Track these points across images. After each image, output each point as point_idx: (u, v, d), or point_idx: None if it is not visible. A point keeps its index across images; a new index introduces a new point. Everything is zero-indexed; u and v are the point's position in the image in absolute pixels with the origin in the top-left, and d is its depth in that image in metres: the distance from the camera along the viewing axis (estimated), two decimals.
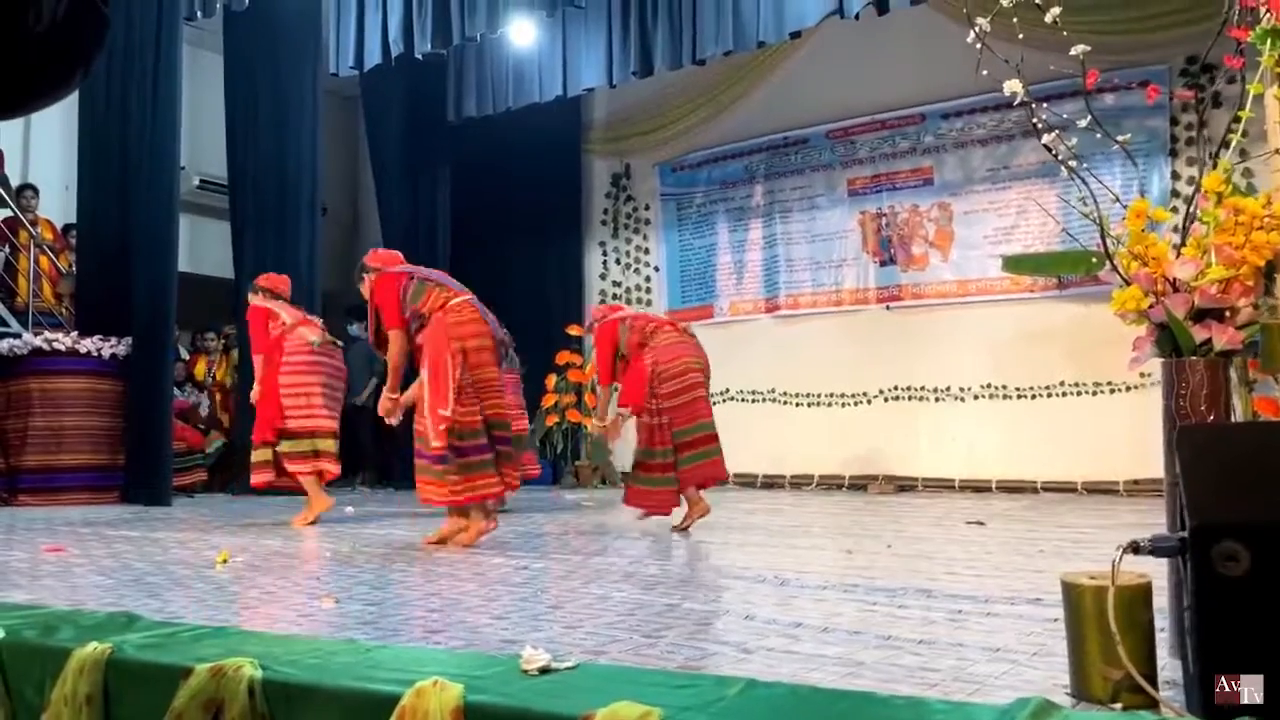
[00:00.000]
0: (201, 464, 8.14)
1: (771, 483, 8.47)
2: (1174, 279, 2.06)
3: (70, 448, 7.14)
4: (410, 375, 4.56)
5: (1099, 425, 7.07)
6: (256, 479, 5.56)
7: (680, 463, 4.96)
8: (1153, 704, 1.65)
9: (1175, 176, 6.94)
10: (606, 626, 2.54)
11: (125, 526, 5.49)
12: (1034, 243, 7.46)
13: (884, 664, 2.09)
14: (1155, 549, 1.56)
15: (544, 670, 1.75)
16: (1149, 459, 6.22)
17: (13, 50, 1.20)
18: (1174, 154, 6.99)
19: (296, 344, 5.62)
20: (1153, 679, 1.70)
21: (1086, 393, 7.30)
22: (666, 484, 4.98)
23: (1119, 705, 1.69)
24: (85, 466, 7.18)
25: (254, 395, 5.64)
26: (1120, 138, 2.32)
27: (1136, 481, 6.84)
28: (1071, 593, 1.78)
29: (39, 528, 5.38)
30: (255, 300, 5.78)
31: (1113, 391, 7.14)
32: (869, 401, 8.22)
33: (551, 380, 8.75)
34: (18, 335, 7.40)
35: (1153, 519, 5.03)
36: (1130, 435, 6.55)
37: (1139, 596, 1.73)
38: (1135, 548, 1.57)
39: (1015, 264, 7.02)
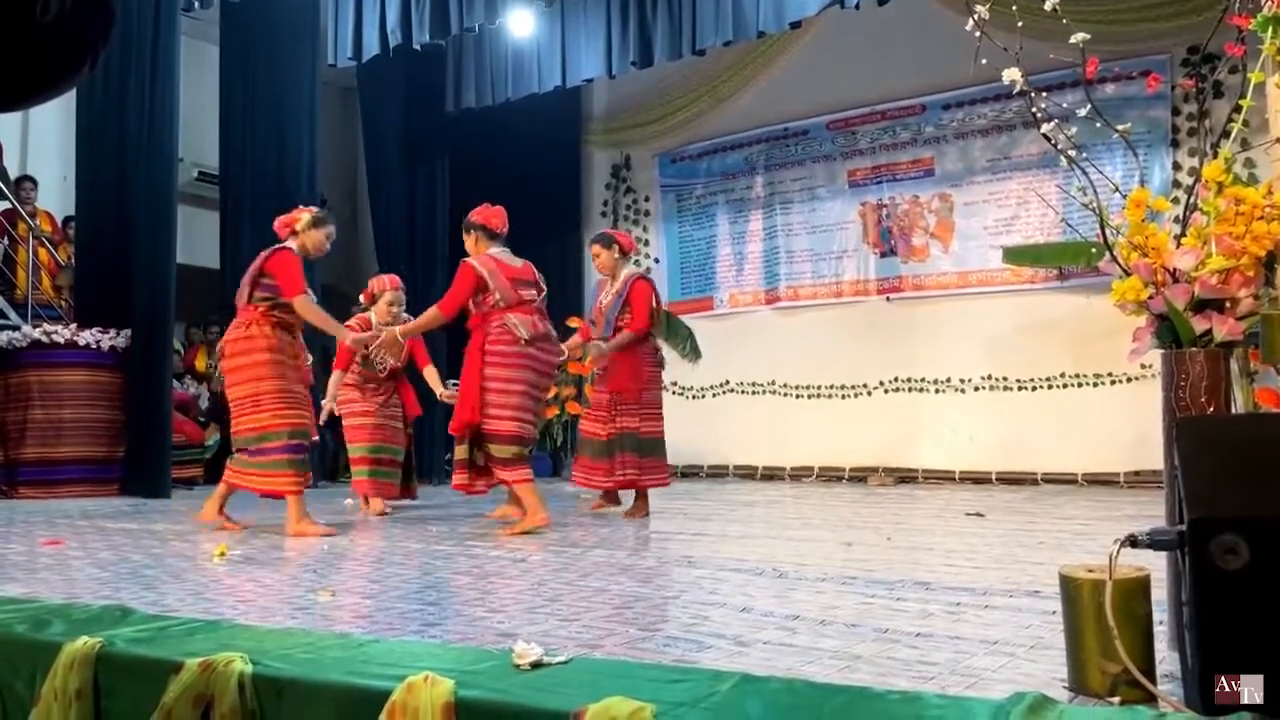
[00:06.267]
0: (199, 459, 8.13)
1: (771, 475, 8.47)
2: (1174, 269, 2.04)
3: (69, 440, 7.12)
4: None
5: (1100, 417, 7.06)
6: (455, 480, 4.76)
7: None
8: (1151, 698, 1.63)
9: (1177, 167, 6.91)
10: (603, 620, 2.53)
11: (124, 519, 5.48)
12: (1035, 234, 7.44)
13: (881, 657, 2.08)
14: (1153, 542, 1.55)
15: (536, 665, 1.73)
16: (1150, 451, 6.21)
17: (21, 42, 1.20)
18: (1175, 144, 6.97)
19: (500, 333, 4.64)
20: (1151, 673, 1.69)
21: (1087, 384, 7.28)
22: None
23: (1117, 699, 1.67)
24: (84, 459, 7.17)
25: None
26: (1121, 127, 2.31)
27: (1137, 473, 6.83)
28: (1069, 586, 1.77)
29: (37, 520, 5.37)
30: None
31: (1113, 383, 7.13)
32: (869, 393, 8.20)
33: None
34: (16, 328, 7.38)
35: (1153, 511, 5.02)
36: (1131, 427, 6.54)
37: (1137, 590, 1.72)
38: (1133, 541, 1.55)
39: (1015, 255, 7.04)
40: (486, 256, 4.72)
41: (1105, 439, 6.99)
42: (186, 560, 3.78)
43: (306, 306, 4.62)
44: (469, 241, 4.85)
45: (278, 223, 4.88)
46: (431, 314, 4.72)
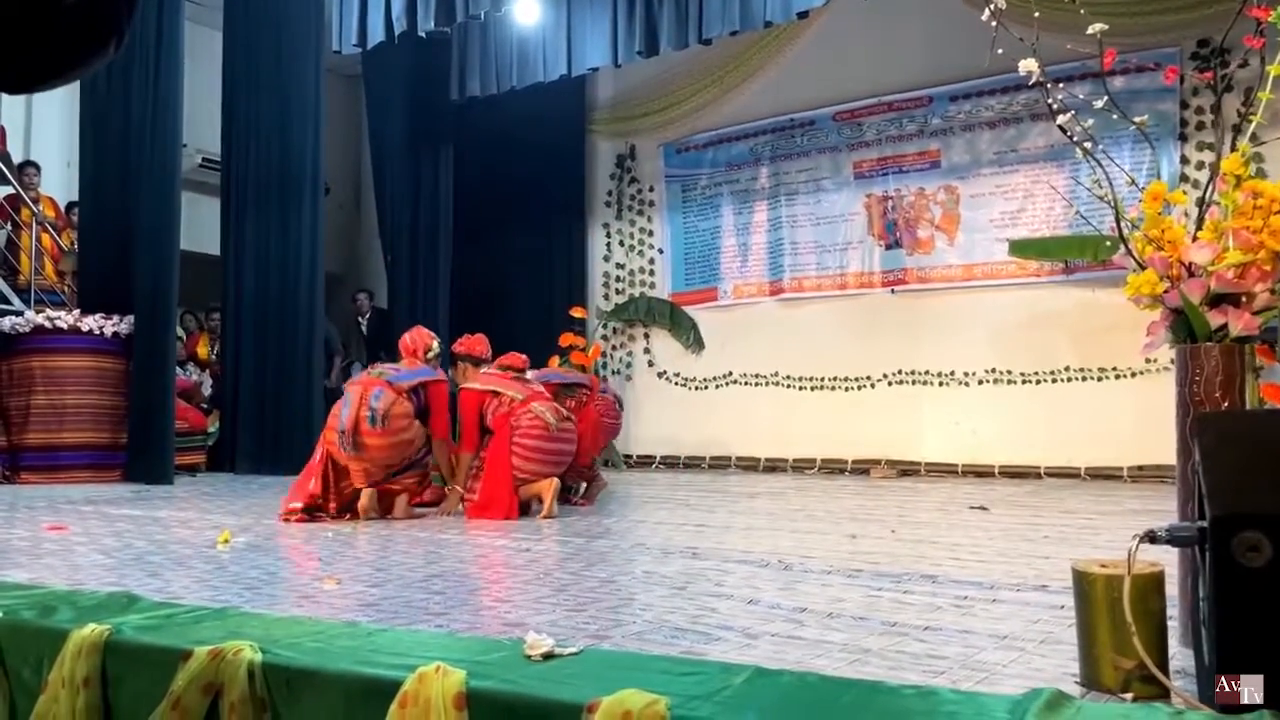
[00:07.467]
0: (202, 445, 8.11)
1: (774, 466, 8.46)
2: (1190, 263, 2.02)
3: (73, 426, 7.13)
4: None
5: (1103, 411, 7.04)
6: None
7: None
8: (1165, 694, 1.62)
9: (1185, 161, 6.87)
10: (610, 610, 2.52)
11: (127, 505, 5.48)
12: (1041, 227, 7.41)
13: (890, 651, 2.07)
14: (1173, 538, 1.53)
15: (548, 656, 1.72)
16: (1153, 445, 6.20)
17: (47, 20, 1.19)
18: (1184, 138, 6.93)
19: (531, 424, 4.85)
20: (1164, 668, 1.68)
21: (1091, 378, 7.26)
22: None
23: (1130, 695, 1.67)
24: (88, 445, 7.18)
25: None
26: (1137, 119, 2.29)
27: (1140, 467, 6.81)
28: (1083, 581, 1.76)
29: (41, 506, 5.37)
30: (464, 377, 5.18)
31: (1118, 377, 7.10)
32: (872, 386, 8.18)
33: (555, 363, 8.72)
34: (20, 313, 7.38)
35: (1156, 505, 5.02)
36: (1135, 421, 6.52)
37: (1151, 585, 1.71)
38: (1152, 537, 1.54)
39: (1021, 248, 7.01)
40: (479, 376, 5.12)
41: (1109, 433, 6.97)
42: (190, 547, 3.77)
43: (444, 450, 5.02)
44: (457, 373, 5.23)
45: (408, 342, 5.14)
46: (463, 458, 4.98)
